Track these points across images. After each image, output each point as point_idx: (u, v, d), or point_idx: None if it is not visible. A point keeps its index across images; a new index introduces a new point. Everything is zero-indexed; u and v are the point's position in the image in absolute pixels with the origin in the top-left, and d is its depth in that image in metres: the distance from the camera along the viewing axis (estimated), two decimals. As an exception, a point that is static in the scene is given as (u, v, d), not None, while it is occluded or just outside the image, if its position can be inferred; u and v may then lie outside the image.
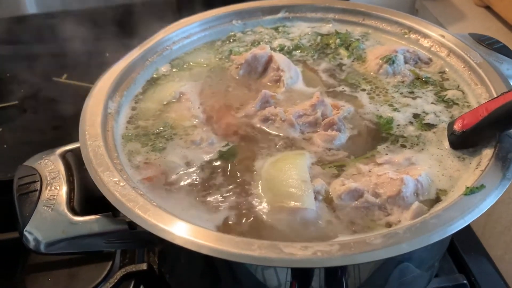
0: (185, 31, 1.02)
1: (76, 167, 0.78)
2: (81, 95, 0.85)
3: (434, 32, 0.96)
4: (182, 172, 0.74)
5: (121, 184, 0.67)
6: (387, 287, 0.75)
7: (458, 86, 0.88)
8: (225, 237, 0.60)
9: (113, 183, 0.67)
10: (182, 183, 0.73)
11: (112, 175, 0.69)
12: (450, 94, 0.86)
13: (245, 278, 0.71)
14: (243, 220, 0.67)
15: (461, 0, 1.65)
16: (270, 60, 0.93)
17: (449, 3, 1.65)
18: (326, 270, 0.66)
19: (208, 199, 0.70)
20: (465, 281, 0.94)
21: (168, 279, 0.88)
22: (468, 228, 1.17)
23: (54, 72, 1.50)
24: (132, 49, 0.95)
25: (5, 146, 1.26)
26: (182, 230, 0.61)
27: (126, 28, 1.45)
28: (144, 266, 0.97)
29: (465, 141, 0.73)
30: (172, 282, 0.88)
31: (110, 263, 1.06)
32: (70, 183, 0.75)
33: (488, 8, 1.56)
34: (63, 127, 1.29)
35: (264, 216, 0.68)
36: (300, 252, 0.57)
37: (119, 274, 0.96)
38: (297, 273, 0.65)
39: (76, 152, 0.78)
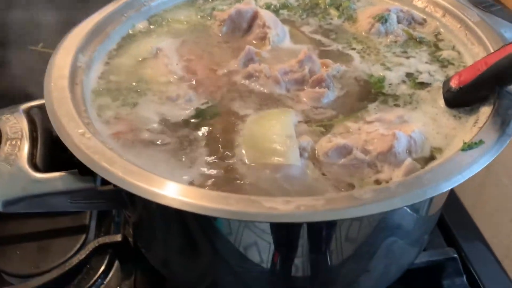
0: (164, -13, 0.96)
1: (41, 123, 0.72)
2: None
3: (429, -9, 0.91)
4: (155, 129, 0.68)
5: (87, 136, 0.61)
6: (374, 259, 0.70)
7: (454, 47, 0.83)
8: (199, 191, 0.54)
9: (78, 135, 0.61)
10: (155, 140, 0.67)
11: (78, 127, 0.63)
12: (446, 54, 0.81)
13: (225, 243, 0.65)
14: (222, 179, 0.61)
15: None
16: (255, 16, 0.87)
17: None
18: (309, 233, 0.60)
19: (183, 156, 0.64)
20: (455, 255, 0.90)
21: (145, 253, 0.82)
22: (459, 204, 1.13)
23: (30, 41, 1.42)
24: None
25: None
26: (152, 183, 0.55)
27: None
28: (118, 238, 0.91)
29: (462, 99, 0.68)
30: (149, 256, 0.82)
31: (84, 236, 1.00)
32: (33, 139, 0.69)
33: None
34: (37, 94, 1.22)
35: (245, 174, 0.62)
36: (282, 206, 0.51)
37: (91, 246, 0.91)
38: (277, 230, 0.59)
39: (42, 108, 0.71)
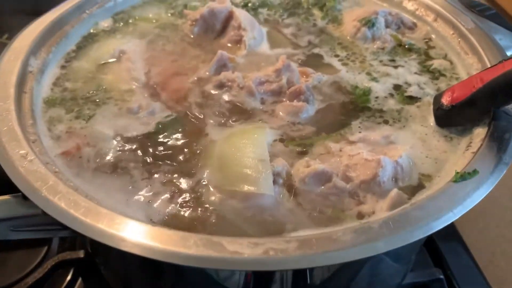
0: (133, -19, 0.87)
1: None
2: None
3: (421, -7, 0.83)
4: (111, 147, 0.60)
5: (29, 158, 0.53)
6: (358, 283, 0.64)
7: (446, 55, 0.77)
8: (154, 229, 0.47)
9: (19, 156, 0.53)
10: (109, 160, 0.59)
11: (19, 146, 0.55)
12: (437, 63, 0.74)
13: (189, 274, 0.59)
14: (184, 209, 0.54)
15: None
16: (230, 16, 0.79)
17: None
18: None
19: (140, 180, 0.57)
20: (441, 276, 0.84)
21: (103, 271, 0.75)
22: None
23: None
24: (67, -2, 0.80)
25: None
26: (100, 219, 0.47)
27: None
28: (81, 254, 0.84)
29: (454, 118, 0.62)
30: (107, 275, 0.74)
31: (45, 248, 0.93)
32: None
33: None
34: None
35: (211, 203, 0.55)
36: (248, 251, 0.44)
37: (50, 263, 0.84)
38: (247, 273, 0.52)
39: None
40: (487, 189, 0.51)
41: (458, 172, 0.53)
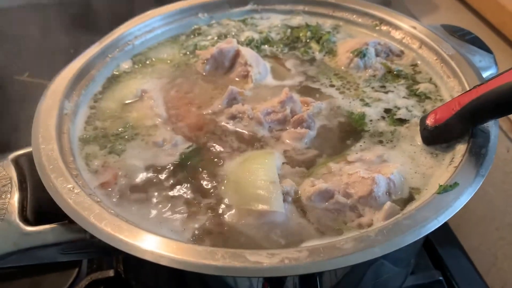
0: (148, 25, 0.97)
1: (30, 172, 0.73)
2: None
3: (406, 23, 0.93)
4: (142, 177, 0.70)
5: (76, 191, 0.63)
6: (363, 286, 0.72)
7: (431, 79, 0.86)
8: (186, 246, 0.56)
9: (67, 190, 0.63)
10: (142, 188, 0.68)
11: (66, 181, 0.64)
12: (423, 87, 0.83)
13: (214, 284, 0.67)
14: (208, 227, 0.63)
15: (433, -9, 1.63)
16: (237, 54, 0.89)
17: (422, -6, 1.64)
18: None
19: (170, 205, 0.66)
20: (440, 278, 0.93)
21: (135, 286, 0.84)
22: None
23: (15, 70, 1.43)
24: (92, 44, 0.90)
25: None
26: (141, 240, 0.56)
27: (93, 23, 1.38)
28: (110, 273, 0.93)
29: (438, 137, 0.71)
30: (137, 289, 0.83)
31: (76, 270, 1.01)
32: (23, 190, 0.70)
33: (460, -1, 1.55)
34: (25, 129, 1.23)
35: (231, 221, 0.64)
36: (267, 260, 0.53)
37: (84, 283, 0.92)
38: (267, 279, 0.61)
39: (30, 157, 0.72)
40: (466, 198, 0.60)
41: (441, 185, 0.62)
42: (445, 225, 1.13)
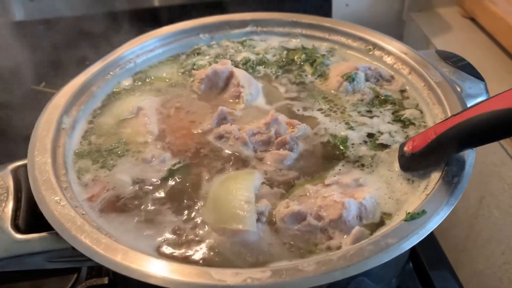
0: (150, 44, 1.02)
1: (25, 182, 0.78)
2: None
3: (397, 49, 0.95)
4: (128, 191, 0.74)
5: (62, 203, 0.67)
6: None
7: (417, 105, 0.87)
8: (156, 261, 0.59)
9: (54, 202, 0.67)
10: (126, 203, 0.72)
11: (55, 194, 0.68)
12: (408, 113, 0.85)
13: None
14: (185, 243, 0.66)
15: (447, 11, 1.64)
16: (231, 75, 0.92)
17: (436, 14, 1.65)
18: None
19: (151, 219, 0.70)
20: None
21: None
22: (434, 242, 1.15)
23: (32, 80, 1.49)
24: (94, 62, 0.95)
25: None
26: (116, 253, 0.60)
27: (109, 36, 1.44)
28: (105, 280, 0.97)
29: (414, 164, 0.72)
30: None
31: (75, 276, 1.06)
32: (17, 200, 0.75)
33: (473, 19, 1.56)
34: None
35: (206, 239, 0.67)
36: (231, 279, 0.56)
37: (81, 288, 0.96)
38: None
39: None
40: (432, 226, 0.62)
41: (408, 213, 0.63)
42: (437, 246, 1.14)
